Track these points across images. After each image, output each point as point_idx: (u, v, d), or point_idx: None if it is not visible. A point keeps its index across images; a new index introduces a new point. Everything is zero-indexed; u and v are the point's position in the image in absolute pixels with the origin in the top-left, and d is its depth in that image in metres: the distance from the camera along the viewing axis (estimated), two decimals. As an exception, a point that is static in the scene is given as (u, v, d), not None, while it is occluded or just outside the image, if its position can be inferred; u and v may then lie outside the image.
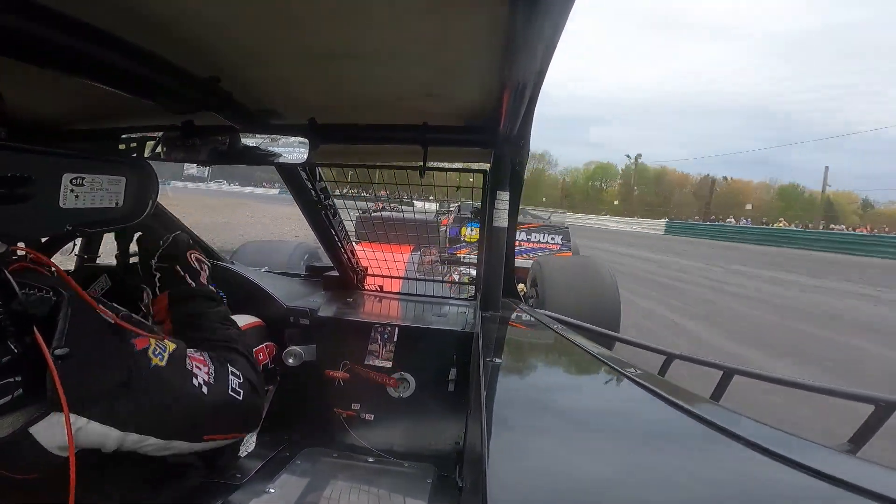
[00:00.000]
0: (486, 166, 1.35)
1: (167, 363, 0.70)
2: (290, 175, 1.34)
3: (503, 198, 1.17)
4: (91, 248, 1.46)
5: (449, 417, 1.28)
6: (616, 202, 47.17)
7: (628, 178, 50.64)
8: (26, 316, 0.57)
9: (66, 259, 1.41)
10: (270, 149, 1.00)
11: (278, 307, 1.39)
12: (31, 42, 0.54)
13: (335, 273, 1.72)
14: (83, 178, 0.78)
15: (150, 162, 0.98)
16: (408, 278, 1.80)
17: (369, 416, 1.32)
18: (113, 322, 0.68)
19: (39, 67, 0.60)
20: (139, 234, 1.07)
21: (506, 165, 1.17)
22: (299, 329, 1.37)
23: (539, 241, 5.87)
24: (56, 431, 0.57)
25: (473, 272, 2.21)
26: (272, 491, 1.01)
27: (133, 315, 0.73)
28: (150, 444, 0.67)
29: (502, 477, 0.41)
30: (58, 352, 0.56)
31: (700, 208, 44.02)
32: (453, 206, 5.79)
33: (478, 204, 1.49)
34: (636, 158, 48.92)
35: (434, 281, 1.85)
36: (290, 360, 1.30)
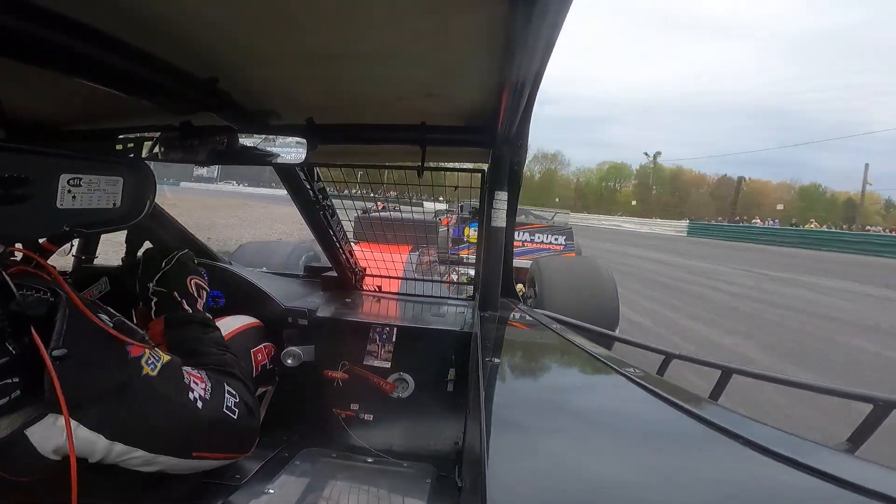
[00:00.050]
0: (485, 166, 1.36)
1: (159, 374, 0.69)
2: (288, 175, 1.34)
3: (501, 198, 1.17)
4: (89, 248, 1.46)
5: (448, 417, 1.28)
6: (634, 202, 45.96)
7: (643, 178, 49.41)
8: (24, 317, 0.57)
9: (63, 260, 1.40)
10: (269, 149, 1.00)
11: (277, 308, 1.38)
12: (28, 42, 0.53)
13: (333, 273, 1.72)
14: (80, 179, 0.78)
15: (147, 163, 0.98)
16: (406, 278, 1.80)
17: (368, 417, 1.32)
18: (112, 326, 0.67)
19: (37, 68, 0.59)
20: (147, 249, 1.07)
21: (504, 165, 1.17)
22: (298, 329, 1.37)
23: (542, 242, 5.85)
24: (50, 434, 0.57)
25: (472, 272, 2.21)
26: (271, 491, 1.01)
27: (127, 321, 0.73)
28: (135, 456, 0.65)
29: (501, 477, 0.41)
30: (56, 353, 0.56)
31: (718, 209, 43.22)
32: (456, 207, 5.79)
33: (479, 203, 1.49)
34: (655, 157, 47.11)
35: (433, 281, 1.85)
36: (289, 361, 1.30)
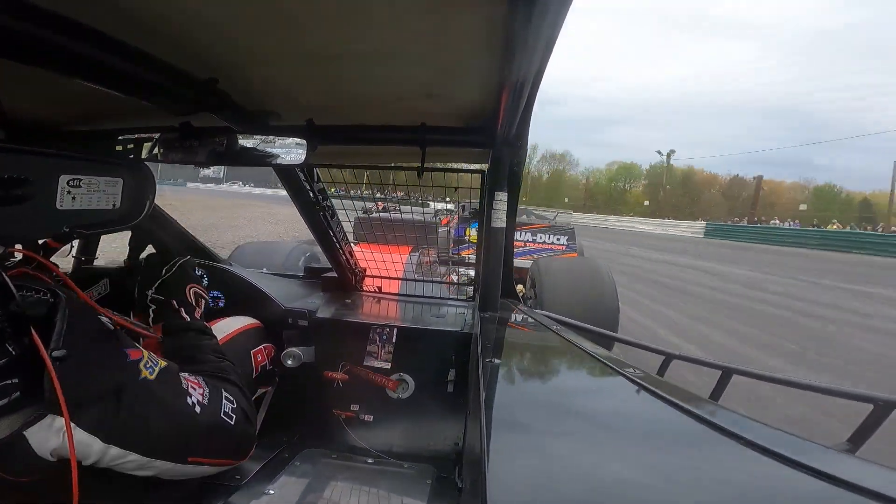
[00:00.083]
0: (485, 167, 1.36)
1: (157, 378, 0.69)
2: (287, 176, 1.34)
3: (501, 198, 1.17)
4: (88, 249, 1.46)
5: (448, 418, 1.28)
6: (647, 202, 44.74)
7: (653, 177, 48.28)
8: (24, 317, 0.57)
9: (63, 261, 1.40)
10: (268, 150, 1.00)
11: (277, 308, 1.38)
12: (28, 42, 0.53)
13: (333, 274, 1.72)
14: (80, 180, 0.78)
15: (147, 164, 0.98)
16: (406, 279, 1.80)
17: (368, 417, 1.32)
18: (112, 328, 0.67)
19: (37, 68, 0.59)
20: (149, 255, 1.07)
21: (504, 166, 1.17)
22: (298, 330, 1.37)
23: (544, 242, 5.85)
24: (48, 435, 0.57)
25: (472, 273, 2.21)
26: (272, 492, 1.01)
27: (126, 323, 0.73)
28: (130, 460, 0.65)
29: (502, 477, 0.41)
30: (55, 353, 0.56)
31: (730, 209, 42.52)
32: (457, 207, 5.78)
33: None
34: (668, 155, 44.32)
35: (433, 282, 1.85)
36: (289, 362, 1.30)
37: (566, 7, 0.46)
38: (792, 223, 32.15)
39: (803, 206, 38.71)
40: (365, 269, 1.77)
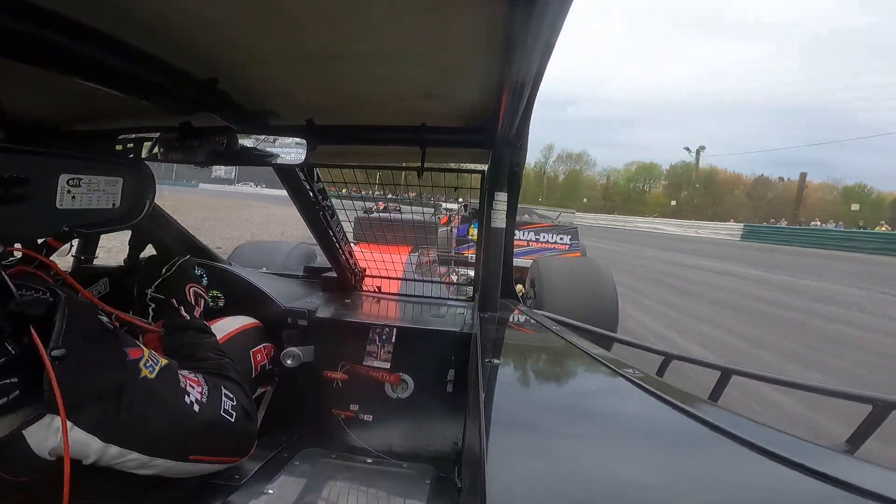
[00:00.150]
0: (485, 167, 1.36)
1: (157, 376, 0.69)
2: (287, 176, 1.34)
3: (501, 199, 1.17)
4: (88, 249, 1.46)
5: (447, 418, 1.28)
6: (674, 203, 42.88)
7: (673, 178, 46.64)
8: (23, 317, 0.57)
9: (63, 260, 1.40)
10: (268, 150, 1.00)
11: (276, 308, 1.38)
12: (28, 42, 0.53)
13: (333, 274, 1.72)
14: (80, 179, 0.78)
15: (147, 163, 0.98)
16: (406, 279, 1.80)
17: (368, 417, 1.32)
18: (112, 327, 0.67)
19: (37, 68, 0.59)
20: (150, 256, 1.07)
21: (504, 166, 1.17)
22: (297, 330, 1.37)
23: (548, 242, 5.84)
24: (47, 435, 0.57)
25: (472, 273, 2.21)
26: (271, 492, 1.01)
27: (125, 322, 0.73)
28: (131, 459, 0.65)
29: (501, 477, 0.41)
30: (55, 353, 0.56)
31: (755, 209, 41.35)
32: (459, 206, 5.78)
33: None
34: (698, 151, 42.36)
35: (432, 282, 1.85)
36: (289, 362, 1.30)
37: (566, 7, 0.46)
38: (835, 225, 28.78)
39: (855, 206, 35.75)
40: (365, 269, 1.77)
